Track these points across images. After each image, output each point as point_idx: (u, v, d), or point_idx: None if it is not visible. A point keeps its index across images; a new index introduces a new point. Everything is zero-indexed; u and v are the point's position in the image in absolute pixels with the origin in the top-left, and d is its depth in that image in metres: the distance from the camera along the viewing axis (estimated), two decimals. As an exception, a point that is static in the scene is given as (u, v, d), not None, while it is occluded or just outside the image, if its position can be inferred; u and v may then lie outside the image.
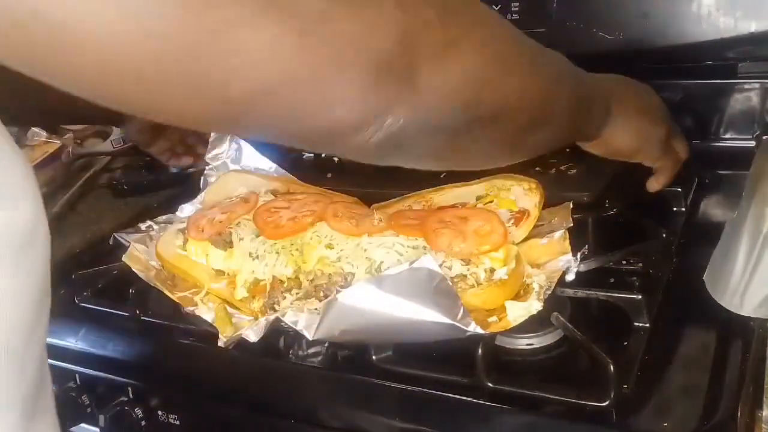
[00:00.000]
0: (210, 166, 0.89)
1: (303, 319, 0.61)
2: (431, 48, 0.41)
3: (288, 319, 0.61)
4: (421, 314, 0.55)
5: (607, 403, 0.54)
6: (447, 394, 0.59)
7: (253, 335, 0.63)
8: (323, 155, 1.00)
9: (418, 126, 0.43)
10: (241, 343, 0.64)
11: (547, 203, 0.70)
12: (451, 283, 0.58)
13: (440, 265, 0.60)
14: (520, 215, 0.69)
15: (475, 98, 0.45)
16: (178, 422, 0.70)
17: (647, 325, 0.62)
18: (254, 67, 0.36)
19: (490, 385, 0.58)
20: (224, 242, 0.73)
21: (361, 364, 0.64)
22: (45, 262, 0.44)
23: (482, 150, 0.52)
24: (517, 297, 0.62)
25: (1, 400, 0.41)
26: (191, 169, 1.09)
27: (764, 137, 0.83)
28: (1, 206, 0.40)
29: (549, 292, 0.61)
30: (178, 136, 1.06)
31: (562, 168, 0.83)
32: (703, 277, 0.65)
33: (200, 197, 0.86)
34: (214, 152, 0.89)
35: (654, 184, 0.77)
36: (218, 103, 0.37)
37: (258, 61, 0.36)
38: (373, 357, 0.63)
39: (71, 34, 0.33)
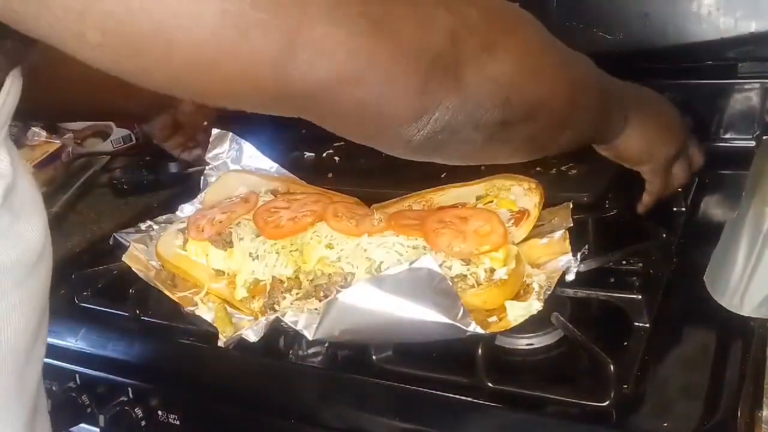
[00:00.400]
0: (210, 166, 0.89)
1: (303, 319, 0.61)
2: (475, 48, 0.45)
3: (288, 319, 0.61)
4: (421, 314, 0.55)
5: (607, 403, 0.54)
6: (447, 394, 0.59)
7: (253, 335, 0.63)
8: (324, 155, 1.00)
9: (461, 121, 0.46)
10: (241, 343, 0.64)
11: (548, 203, 0.71)
12: (451, 283, 0.58)
13: (440, 265, 0.60)
14: (520, 215, 0.69)
15: (510, 96, 0.48)
16: (178, 422, 0.70)
17: (647, 325, 0.62)
18: (328, 61, 0.39)
19: (490, 385, 0.58)
20: (224, 242, 0.73)
21: (361, 364, 0.64)
22: (47, 281, 0.45)
23: (511, 146, 0.54)
24: (517, 297, 0.62)
25: (5, 416, 0.42)
26: (192, 169, 1.09)
27: (764, 137, 0.83)
28: (19, 225, 0.41)
29: (549, 292, 0.61)
30: (192, 131, 1.08)
31: (563, 168, 0.83)
32: (703, 278, 0.65)
33: (200, 197, 0.86)
34: (215, 152, 0.89)
35: (640, 207, 0.76)
36: (294, 94, 0.41)
37: (331, 55, 0.39)
38: (373, 357, 0.63)
39: (170, 36, 0.36)
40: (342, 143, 0.98)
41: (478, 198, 0.73)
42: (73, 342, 0.76)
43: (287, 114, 0.45)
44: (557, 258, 0.65)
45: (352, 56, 0.40)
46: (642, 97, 0.68)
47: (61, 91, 0.84)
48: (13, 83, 0.40)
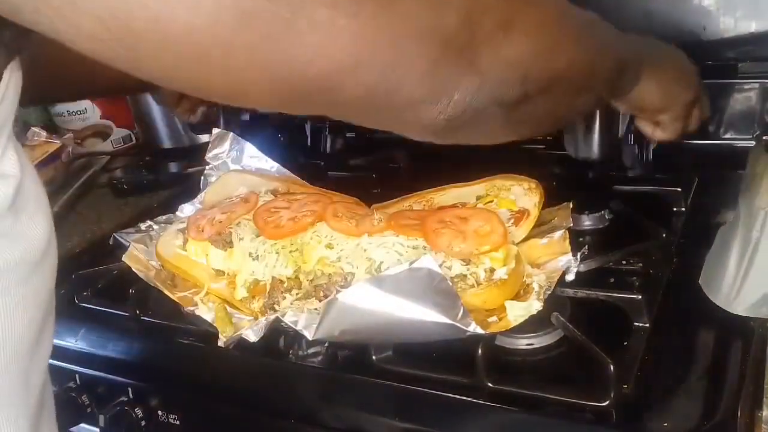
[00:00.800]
0: (210, 166, 0.89)
1: (303, 319, 0.61)
2: (490, 27, 0.43)
3: (288, 319, 0.62)
4: (421, 314, 0.55)
5: (607, 403, 0.54)
6: (447, 394, 0.59)
7: (253, 335, 0.63)
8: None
9: (483, 100, 0.45)
10: (241, 343, 0.64)
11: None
12: (451, 283, 0.58)
13: (440, 265, 0.60)
14: (520, 215, 0.69)
15: (530, 73, 0.47)
16: (178, 422, 0.70)
17: (647, 325, 0.62)
18: (333, 46, 0.38)
19: (490, 385, 0.58)
20: (224, 242, 0.73)
21: (361, 364, 0.64)
22: (52, 278, 0.45)
23: (535, 119, 0.53)
24: (517, 297, 0.62)
25: (9, 413, 0.42)
26: (191, 169, 1.09)
27: (764, 137, 0.83)
28: (23, 222, 0.41)
29: (549, 292, 0.61)
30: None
31: None
32: (699, 280, 0.65)
33: (200, 197, 0.86)
34: (215, 152, 0.89)
35: (657, 134, 0.74)
36: (298, 83, 0.39)
37: (336, 39, 0.37)
38: (373, 357, 0.63)
39: (167, 25, 0.34)
40: None
41: (478, 198, 0.73)
42: (73, 342, 0.76)
43: (292, 110, 0.43)
44: (557, 258, 0.65)
45: (357, 40, 0.38)
46: (653, 46, 0.67)
47: (66, 65, 0.84)
48: (12, 75, 0.39)
